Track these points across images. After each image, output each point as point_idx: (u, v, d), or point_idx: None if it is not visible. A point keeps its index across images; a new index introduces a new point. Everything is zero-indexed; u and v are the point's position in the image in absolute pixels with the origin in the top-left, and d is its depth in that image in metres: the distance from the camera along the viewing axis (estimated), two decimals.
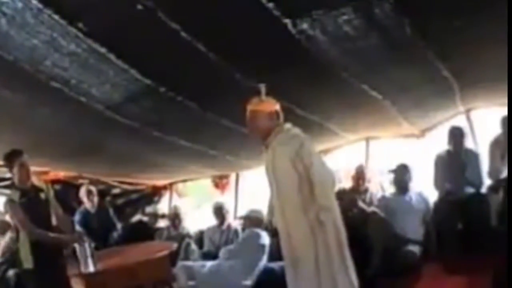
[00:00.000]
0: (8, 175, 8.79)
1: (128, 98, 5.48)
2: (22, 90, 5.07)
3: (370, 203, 7.46)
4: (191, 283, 6.77)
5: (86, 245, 5.62)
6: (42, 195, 5.59)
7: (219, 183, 11.14)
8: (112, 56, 4.45)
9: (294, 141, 4.68)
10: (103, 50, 4.32)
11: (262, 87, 4.74)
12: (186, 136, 7.09)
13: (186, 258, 8.02)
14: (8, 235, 8.01)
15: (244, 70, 5.09)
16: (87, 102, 5.39)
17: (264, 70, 5.08)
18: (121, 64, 4.64)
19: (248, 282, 6.65)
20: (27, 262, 5.35)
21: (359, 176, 7.97)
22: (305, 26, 4.24)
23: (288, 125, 4.83)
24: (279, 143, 4.74)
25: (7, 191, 8.88)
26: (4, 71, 4.56)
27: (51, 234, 5.63)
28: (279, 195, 4.76)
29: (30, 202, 5.44)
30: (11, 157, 5.51)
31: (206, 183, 11.62)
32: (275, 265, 6.94)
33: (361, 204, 7.28)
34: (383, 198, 7.51)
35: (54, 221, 5.60)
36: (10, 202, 5.39)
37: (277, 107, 4.82)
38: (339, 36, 4.51)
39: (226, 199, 10.44)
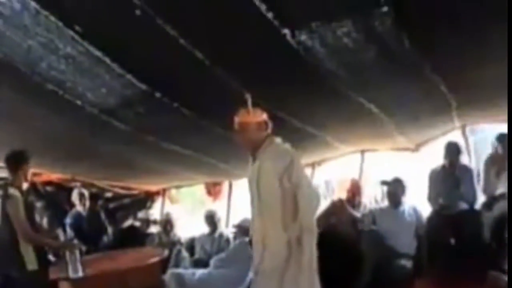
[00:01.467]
0: (1, 175, 8.80)
1: (123, 102, 5.44)
2: (16, 91, 5.03)
3: (363, 216, 7.45)
4: None
5: (77, 251, 5.60)
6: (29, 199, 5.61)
7: (212, 190, 11.13)
8: (107, 60, 4.42)
9: (283, 157, 4.62)
10: (98, 53, 4.29)
11: (248, 98, 4.67)
12: (180, 142, 7.06)
13: (177, 265, 8.00)
14: None
15: (241, 79, 5.05)
16: (82, 105, 5.36)
17: (261, 80, 5.06)
18: (117, 68, 4.61)
19: None
20: (31, 263, 5.34)
21: (354, 189, 7.98)
22: (304, 37, 4.20)
23: (278, 140, 4.79)
24: (268, 158, 4.68)
25: None
26: None
27: (45, 239, 5.62)
28: (260, 209, 4.69)
29: (26, 204, 5.46)
30: (21, 159, 5.57)
31: (199, 189, 11.61)
32: None
33: (354, 216, 7.28)
34: (376, 211, 7.50)
35: None
36: (14, 198, 5.34)
37: (265, 117, 4.77)
38: (337, 48, 4.47)
39: (219, 206, 10.44)
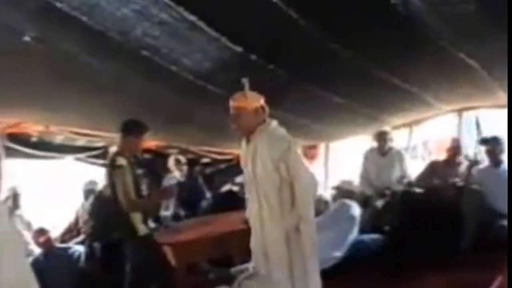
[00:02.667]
0: (99, 144, 9.03)
1: (218, 66, 5.42)
2: (112, 60, 5.08)
3: (464, 176, 7.23)
4: None
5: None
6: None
7: (308, 152, 11.06)
8: (202, 24, 4.37)
9: (280, 143, 4.58)
10: (193, 18, 4.24)
11: (246, 82, 4.64)
12: (275, 104, 6.99)
13: None
14: (91, 200, 8.13)
15: (338, 38, 4.92)
16: (178, 71, 5.36)
17: (359, 38, 4.92)
18: (212, 32, 4.55)
19: (338, 254, 6.52)
20: (141, 229, 5.45)
21: (455, 149, 7.74)
22: None
23: (274, 123, 4.75)
24: (264, 142, 4.62)
25: (100, 161, 9.15)
26: (93, 40, 4.55)
27: (147, 204, 5.73)
28: (258, 194, 4.66)
29: (133, 173, 5.53)
30: (130, 128, 5.58)
31: None
32: (366, 237, 6.85)
33: (454, 175, 7.08)
34: (476, 170, 7.24)
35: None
36: (120, 168, 5.37)
37: (261, 102, 4.73)
38: (437, 1, 4.28)
39: (315, 169, 10.36)
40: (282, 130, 4.74)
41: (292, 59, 5.42)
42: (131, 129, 5.57)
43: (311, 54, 5.27)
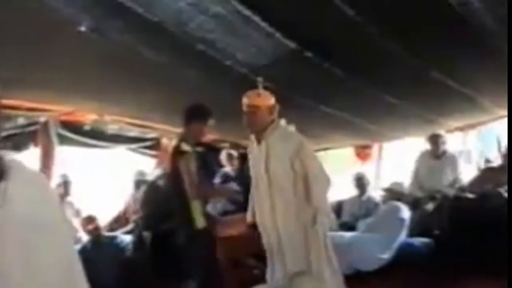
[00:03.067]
0: (150, 135, 9.08)
1: (272, 62, 5.36)
2: (167, 52, 5.07)
3: None
4: None
5: None
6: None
7: (361, 152, 10.95)
8: (257, 19, 4.34)
9: (293, 139, 4.75)
10: (248, 12, 4.21)
11: (260, 81, 4.76)
12: (329, 102, 6.94)
13: None
14: (143, 189, 8.18)
15: (394, 38, 4.83)
16: (232, 65, 5.35)
17: (415, 38, 4.83)
18: (267, 27, 4.52)
19: (386, 256, 6.45)
20: (199, 221, 5.31)
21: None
22: None
23: (283, 122, 4.90)
24: (277, 140, 4.75)
25: (151, 152, 9.22)
26: (149, 32, 4.57)
27: (214, 191, 5.71)
28: (271, 192, 4.74)
29: (198, 159, 5.48)
30: (195, 113, 5.48)
31: (348, 152, 11.45)
32: (415, 240, 6.76)
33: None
34: None
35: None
36: (185, 154, 5.23)
37: (273, 101, 4.84)
38: (493, 2, 4.18)
39: (368, 169, 10.25)
40: (292, 128, 4.95)
41: (347, 58, 5.36)
42: (195, 114, 5.44)
43: (367, 53, 5.21)
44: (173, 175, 5.35)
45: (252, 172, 5.02)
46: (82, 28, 4.31)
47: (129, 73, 5.59)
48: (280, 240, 4.73)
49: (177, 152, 5.27)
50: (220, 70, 5.41)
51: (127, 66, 5.35)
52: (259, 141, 4.88)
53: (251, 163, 5.00)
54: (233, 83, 5.89)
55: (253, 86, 5.59)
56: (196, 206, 5.31)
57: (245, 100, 4.82)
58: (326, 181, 4.82)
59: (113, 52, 4.96)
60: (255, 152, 4.92)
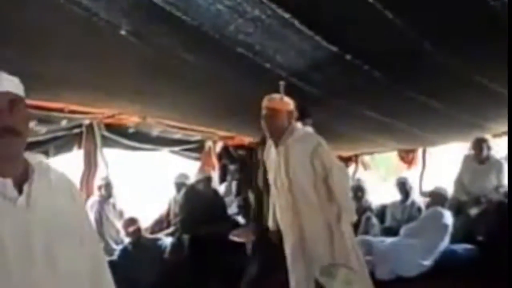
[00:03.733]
0: (194, 138, 9.15)
1: (312, 65, 5.32)
2: (206, 55, 5.08)
3: None
4: (368, 258, 6.63)
5: None
6: None
7: (406, 157, 10.89)
8: (296, 22, 4.30)
9: (311, 140, 4.81)
10: (287, 15, 4.18)
11: (282, 85, 4.85)
12: (372, 106, 6.88)
13: (366, 232, 7.89)
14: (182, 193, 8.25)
15: (436, 42, 4.74)
16: (271, 68, 5.31)
17: (457, 42, 4.72)
18: (306, 30, 4.47)
19: (427, 263, 6.41)
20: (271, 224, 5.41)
21: None
22: None
23: (299, 124, 4.93)
24: (294, 142, 4.80)
25: (193, 154, 9.29)
26: (188, 36, 4.57)
27: None
28: (293, 194, 4.77)
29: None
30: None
31: (392, 156, 11.39)
32: (458, 247, 6.70)
33: None
34: None
35: None
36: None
37: (293, 106, 4.94)
38: None
39: (412, 174, 10.16)
40: (308, 129, 5.00)
41: (388, 61, 5.27)
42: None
43: (409, 57, 5.11)
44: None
45: (271, 177, 5.02)
46: (122, 32, 4.35)
47: (169, 77, 5.63)
48: (305, 242, 4.75)
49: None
50: (260, 72, 5.38)
51: (167, 70, 5.38)
52: (276, 145, 4.91)
53: (269, 167, 5.02)
54: (272, 86, 5.89)
55: (293, 89, 5.59)
56: (270, 208, 5.41)
57: (266, 103, 4.92)
58: (347, 179, 5.03)
59: (153, 55, 4.98)
60: (274, 156, 4.95)
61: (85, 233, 2.17)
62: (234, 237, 6.26)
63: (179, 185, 8.72)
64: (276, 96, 4.91)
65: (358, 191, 9.12)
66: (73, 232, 2.06)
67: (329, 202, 4.71)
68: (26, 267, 1.87)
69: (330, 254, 4.63)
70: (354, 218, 4.91)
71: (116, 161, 8.59)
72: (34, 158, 2.03)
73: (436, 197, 7.39)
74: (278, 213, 5.07)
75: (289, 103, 4.93)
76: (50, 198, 1.99)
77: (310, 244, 4.73)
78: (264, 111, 4.90)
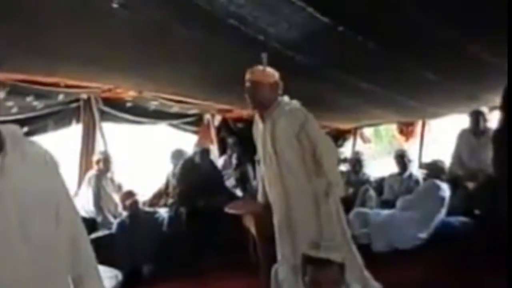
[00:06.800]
0: (192, 111, 9.16)
1: (306, 37, 5.29)
2: (199, 28, 5.07)
3: None
4: (364, 230, 6.65)
5: None
6: None
7: (405, 130, 10.84)
8: None
9: (297, 114, 4.66)
10: None
11: (264, 56, 4.71)
12: (368, 78, 6.84)
13: (363, 204, 7.89)
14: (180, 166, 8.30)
15: (430, 11, 4.70)
16: (265, 40, 5.29)
17: (452, 11, 4.66)
18: (298, 2, 4.44)
19: (423, 235, 6.44)
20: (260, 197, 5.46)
21: None
22: None
23: (286, 98, 4.80)
24: (281, 114, 4.70)
25: (191, 128, 9.30)
26: (181, 8, 4.57)
27: None
28: (280, 168, 4.71)
29: None
30: None
31: (391, 129, 11.36)
32: (454, 219, 6.69)
33: None
34: None
35: None
36: None
37: (277, 78, 4.78)
38: None
39: (411, 147, 10.15)
40: (296, 102, 4.81)
41: (382, 32, 5.23)
42: None
43: (403, 28, 5.08)
44: None
45: (259, 151, 5.02)
46: (114, 5, 4.34)
47: (164, 50, 5.63)
48: (291, 216, 4.72)
49: None
50: (254, 45, 5.34)
51: (161, 43, 5.38)
52: (263, 120, 4.85)
53: (258, 141, 5.00)
54: (268, 58, 5.89)
55: (286, 60, 5.57)
56: None
57: (248, 76, 4.81)
58: (335, 153, 4.93)
59: (146, 28, 4.98)
60: (261, 131, 4.89)
61: (61, 200, 2.19)
62: (230, 210, 6.20)
63: (175, 159, 8.78)
64: (258, 68, 4.82)
65: (357, 163, 9.11)
66: (47, 201, 2.09)
67: (317, 176, 4.65)
68: (0, 238, 1.90)
69: (316, 228, 4.59)
70: (342, 193, 4.83)
71: (114, 135, 8.61)
72: (6, 129, 2.05)
73: (433, 170, 7.37)
74: (267, 187, 5.05)
75: (273, 75, 4.82)
76: (23, 169, 2.01)
77: (297, 217, 4.69)
78: (246, 84, 4.82)
